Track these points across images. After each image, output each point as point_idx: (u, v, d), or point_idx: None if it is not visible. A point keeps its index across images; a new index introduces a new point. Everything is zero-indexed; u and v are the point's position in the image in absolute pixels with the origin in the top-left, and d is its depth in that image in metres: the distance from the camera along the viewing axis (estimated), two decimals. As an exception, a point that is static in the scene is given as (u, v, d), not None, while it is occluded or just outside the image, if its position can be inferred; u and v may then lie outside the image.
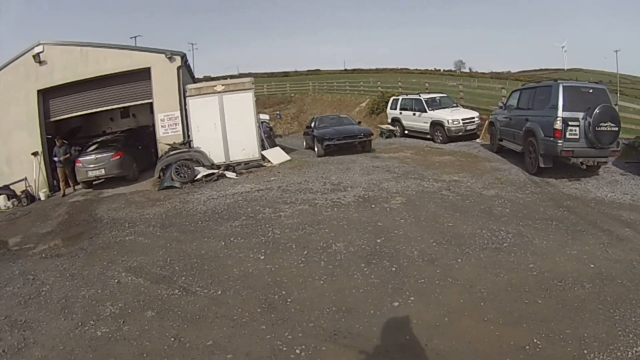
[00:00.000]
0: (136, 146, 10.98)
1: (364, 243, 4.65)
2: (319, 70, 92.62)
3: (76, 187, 10.20)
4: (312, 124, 13.01)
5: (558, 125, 6.79)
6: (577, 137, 6.75)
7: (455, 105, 12.74)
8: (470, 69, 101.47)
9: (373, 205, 5.96)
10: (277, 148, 11.65)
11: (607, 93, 7.23)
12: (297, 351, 2.94)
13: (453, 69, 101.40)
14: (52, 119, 10.55)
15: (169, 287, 4.06)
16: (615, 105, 8.03)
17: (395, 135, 13.91)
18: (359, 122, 13.81)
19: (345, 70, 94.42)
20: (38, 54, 9.95)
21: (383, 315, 3.28)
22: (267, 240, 5.00)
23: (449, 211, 5.51)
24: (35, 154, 10.09)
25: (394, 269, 4.00)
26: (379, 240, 4.69)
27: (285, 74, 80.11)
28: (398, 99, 14.37)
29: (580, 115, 6.86)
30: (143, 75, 10.27)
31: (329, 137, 10.98)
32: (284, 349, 2.97)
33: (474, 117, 11.56)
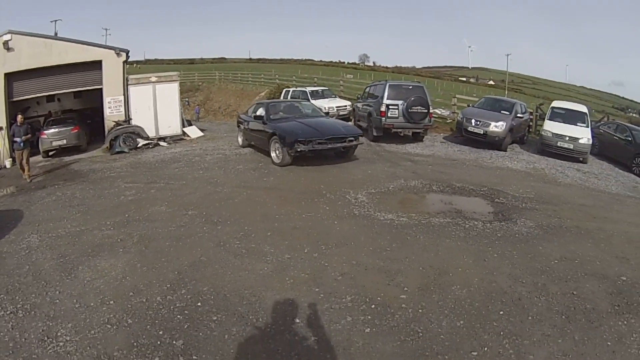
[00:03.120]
0: (86, 122, 14.01)
1: (252, 166, 8.79)
2: (224, 58, 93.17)
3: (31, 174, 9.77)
4: (262, 113, 9.52)
5: (383, 108, 11.23)
6: (397, 116, 11.24)
7: (333, 96, 17.61)
8: (374, 62, 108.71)
9: (256, 152, 10.21)
10: (194, 126, 15.63)
11: (423, 89, 11.94)
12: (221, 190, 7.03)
13: (357, 62, 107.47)
14: (14, 99, 12.92)
15: (157, 184, 7.84)
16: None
17: None
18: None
19: (250, 59, 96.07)
20: (7, 41, 12.38)
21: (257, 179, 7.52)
22: (201, 167, 8.99)
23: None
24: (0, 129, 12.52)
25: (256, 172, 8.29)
26: (261, 164, 8.98)
27: (191, 62, 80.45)
28: (289, 90, 18.73)
29: (400, 102, 11.19)
30: (96, 66, 13.40)
31: (303, 139, 8.25)
32: (215, 192, 7.00)
33: (346, 105, 16.24)
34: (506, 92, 46.16)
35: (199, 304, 3.62)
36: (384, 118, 11.25)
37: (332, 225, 5.29)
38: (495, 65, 69.37)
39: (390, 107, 11.25)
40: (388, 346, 3.10)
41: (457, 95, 16.65)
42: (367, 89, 13.69)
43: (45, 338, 3.25)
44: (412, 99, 11.20)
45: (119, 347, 3.09)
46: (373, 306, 3.56)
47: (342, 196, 6.39)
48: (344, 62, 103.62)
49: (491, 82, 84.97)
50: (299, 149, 8.22)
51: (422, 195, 6.70)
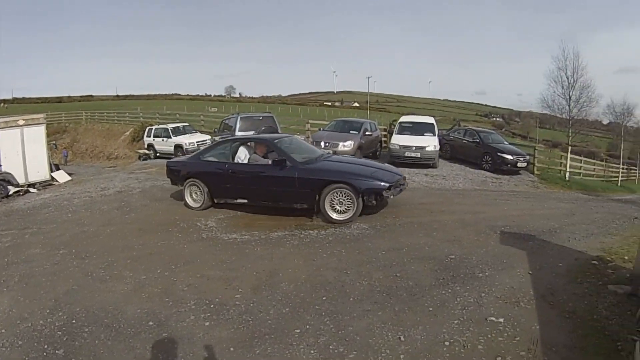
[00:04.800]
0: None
1: (115, 206, 8.97)
2: (91, 96, 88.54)
3: None
4: (280, 156, 7.16)
5: None
6: None
7: (194, 131, 18.34)
8: (240, 94, 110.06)
9: (120, 192, 10.52)
10: (61, 171, 15.38)
11: (273, 118, 12.98)
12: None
13: (224, 94, 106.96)
14: None
15: (30, 229, 7.56)
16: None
17: (150, 158, 18.17)
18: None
19: (118, 96, 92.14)
20: None
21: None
22: (69, 211, 8.91)
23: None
24: None
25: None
26: (123, 204, 9.33)
27: (59, 100, 75.62)
28: (152, 128, 19.06)
29: (251, 133, 11.64)
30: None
31: (389, 185, 6.71)
32: (83, 232, 7.20)
33: (206, 140, 16.81)
34: (368, 112, 50.95)
35: (74, 321, 4.16)
36: None
37: (183, 248, 5.94)
38: (360, 88, 75.64)
39: None
40: (224, 333, 3.80)
41: (310, 120, 17.80)
42: (224, 122, 14.31)
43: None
44: (263, 128, 11.97)
45: (15, 363, 3.61)
46: (212, 306, 4.27)
47: (194, 224, 7.07)
48: (210, 95, 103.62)
49: (356, 104, 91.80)
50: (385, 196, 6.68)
51: (267, 216, 7.40)
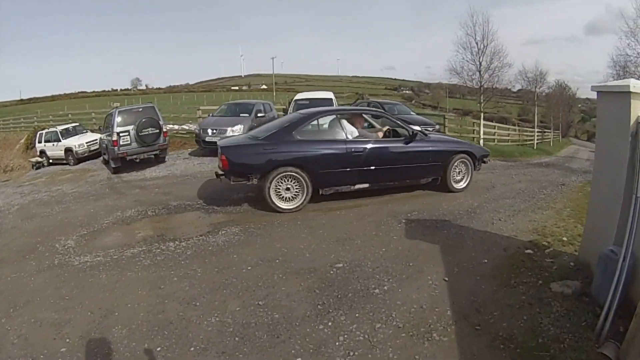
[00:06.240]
0: None
1: None
2: None
3: None
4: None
5: (115, 137, 10.20)
6: (129, 142, 10.33)
7: (85, 131, 15.55)
8: (146, 85, 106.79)
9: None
10: None
11: (154, 109, 11.14)
12: None
13: (130, 87, 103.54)
14: None
15: None
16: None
17: (43, 165, 15.40)
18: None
19: (22, 100, 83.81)
20: None
21: None
22: None
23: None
24: None
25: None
26: None
27: None
28: (43, 132, 16.00)
29: (131, 127, 10.36)
30: None
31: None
32: None
33: (96, 140, 14.45)
34: (274, 94, 50.32)
35: None
36: (116, 148, 10.25)
37: (29, 282, 4.46)
38: (268, 70, 74.50)
39: (121, 134, 10.32)
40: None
41: (200, 107, 16.30)
42: (105, 118, 12.31)
43: None
44: (143, 120, 10.54)
45: None
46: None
47: (52, 245, 5.41)
48: (116, 90, 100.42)
49: (264, 87, 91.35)
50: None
51: (132, 226, 5.85)
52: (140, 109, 11.16)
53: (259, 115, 12.33)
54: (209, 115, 13.71)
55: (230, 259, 4.39)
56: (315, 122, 6.45)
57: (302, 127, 6.14)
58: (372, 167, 6.10)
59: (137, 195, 7.77)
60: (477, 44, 18.99)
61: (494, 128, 21.19)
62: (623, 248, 2.82)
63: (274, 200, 5.82)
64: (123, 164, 10.52)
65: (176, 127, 17.43)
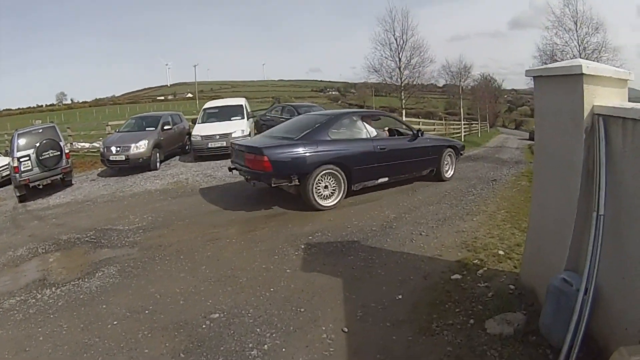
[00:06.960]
0: None
1: None
2: None
3: None
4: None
5: (15, 163, 9.43)
6: (30, 167, 9.55)
7: None
8: (72, 100, 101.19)
9: None
10: None
11: (55, 129, 10.40)
12: None
13: (55, 102, 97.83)
14: None
15: None
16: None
17: None
18: None
19: None
20: None
21: None
22: None
23: None
24: None
25: None
26: None
27: None
28: None
29: (31, 151, 9.56)
30: None
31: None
32: None
33: (7, 165, 13.13)
34: (197, 102, 50.03)
35: None
36: (17, 174, 9.51)
37: None
38: (193, 78, 73.25)
39: (21, 159, 9.59)
40: None
41: (109, 123, 15.65)
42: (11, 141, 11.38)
43: None
44: (43, 142, 9.83)
45: None
46: None
47: None
48: (42, 106, 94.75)
49: (190, 95, 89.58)
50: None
51: (20, 268, 5.26)
52: (41, 130, 10.41)
53: (166, 127, 12.06)
54: (115, 131, 13.19)
55: (98, 310, 3.73)
56: (344, 122, 7.06)
57: (333, 128, 6.69)
58: (391, 162, 6.87)
59: (34, 229, 7.15)
60: (396, 40, 19.08)
61: (419, 124, 21.27)
62: (584, 279, 2.23)
63: (316, 199, 6.13)
64: (28, 190, 9.85)
65: (87, 145, 16.64)
